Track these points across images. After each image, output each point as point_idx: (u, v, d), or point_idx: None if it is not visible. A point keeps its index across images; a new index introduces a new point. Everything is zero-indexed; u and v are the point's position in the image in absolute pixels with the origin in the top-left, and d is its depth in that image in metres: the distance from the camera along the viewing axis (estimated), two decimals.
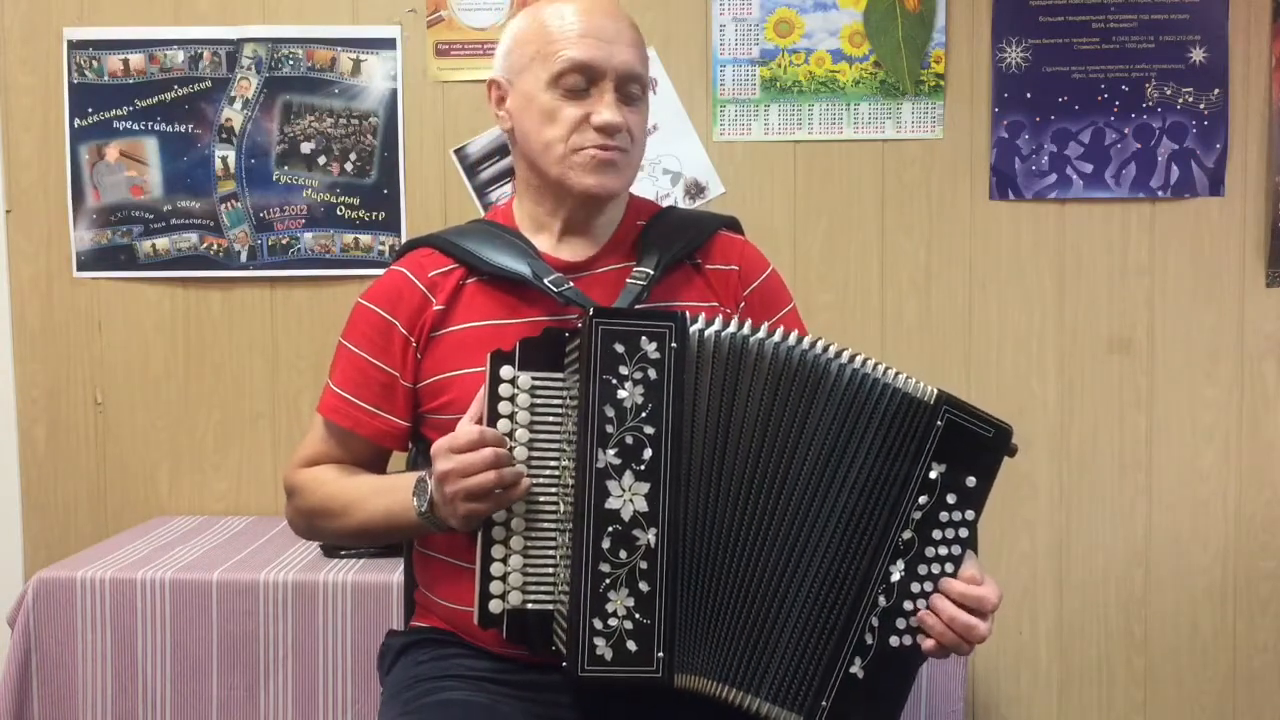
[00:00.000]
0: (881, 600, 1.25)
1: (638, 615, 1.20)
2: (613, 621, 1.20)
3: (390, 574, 2.02)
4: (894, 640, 1.25)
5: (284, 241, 2.51)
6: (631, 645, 1.20)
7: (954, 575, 1.26)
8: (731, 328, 1.26)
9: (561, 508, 1.26)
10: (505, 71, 1.46)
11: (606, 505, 1.21)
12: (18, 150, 2.51)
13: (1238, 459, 2.53)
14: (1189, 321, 2.51)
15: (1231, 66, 2.47)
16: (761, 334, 1.27)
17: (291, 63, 2.49)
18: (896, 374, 1.26)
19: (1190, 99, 2.47)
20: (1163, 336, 2.51)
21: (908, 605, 1.25)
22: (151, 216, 2.51)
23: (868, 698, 1.24)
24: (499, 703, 1.37)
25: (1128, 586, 2.54)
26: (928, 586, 1.26)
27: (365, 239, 2.51)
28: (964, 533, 1.26)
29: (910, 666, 1.27)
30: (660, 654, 1.20)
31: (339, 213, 2.51)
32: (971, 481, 1.26)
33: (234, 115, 2.50)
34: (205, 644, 2.02)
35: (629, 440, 1.22)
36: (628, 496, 1.21)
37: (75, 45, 2.49)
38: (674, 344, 1.23)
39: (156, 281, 2.53)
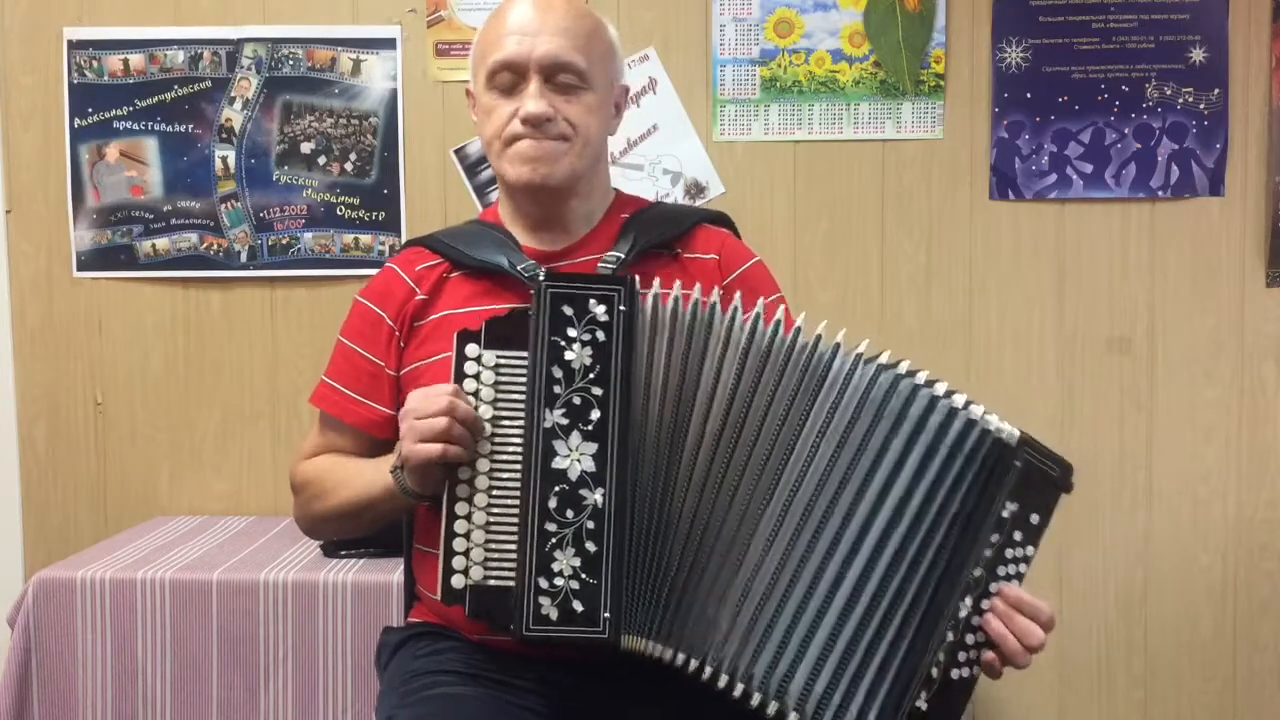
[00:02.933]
0: (949, 635, 1.25)
1: (584, 575, 1.20)
2: (559, 581, 1.20)
3: (390, 573, 2.02)
4: (954, 673, 1.26)
5: (284, 241, 2.51)
6: (577, 605, 1.20)
7: None
8: (695, 296, 1.26)
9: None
10: (470, 79, 1.53)
11: (553, 465, 1.21)
12: (18, 150, 2.51)
13: (1238, 459, 2.53)
14: (1189, 321, 2.51)
15: (1231, 66, 2.47)
16: (734, 307, 1.26)
17: (291, 63, 2.49)
18: (984, 411, 1.25)
19: (1190, 99, 2.47)
20: (1163, 336, 2.51)
21: (969, 639, 1.26)
22: (151, 216, 2.51)
23: None
24: (491, 698, 1.37)
25: (1128, 586, 2.54)
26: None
27: (365, 239, 2.51)
28: (1023, 569, 1.27)
29: (965, 698, 1.27)
30: (606, 614, 1.20)
31: (339, 213, 2.51)
32: (1035, 519, 1.28)
33: (234, 115, 2.50)
34: (205, 644, 2.02)
35: (576, 401, 1.22)
36: (575, 456, 1.22)
37: (75, 45, 2.49)
38: (623, 307, 1.24)
39: (156, 281, 2.53)
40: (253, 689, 2.02)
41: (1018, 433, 1.27)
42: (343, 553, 2.14)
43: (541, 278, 1.24)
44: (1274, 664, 2.54)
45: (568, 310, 1.24)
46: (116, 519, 2.53)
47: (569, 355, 1.23)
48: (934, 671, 1.25)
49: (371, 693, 2.01)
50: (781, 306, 1.36)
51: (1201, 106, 2.47)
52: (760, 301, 1.29)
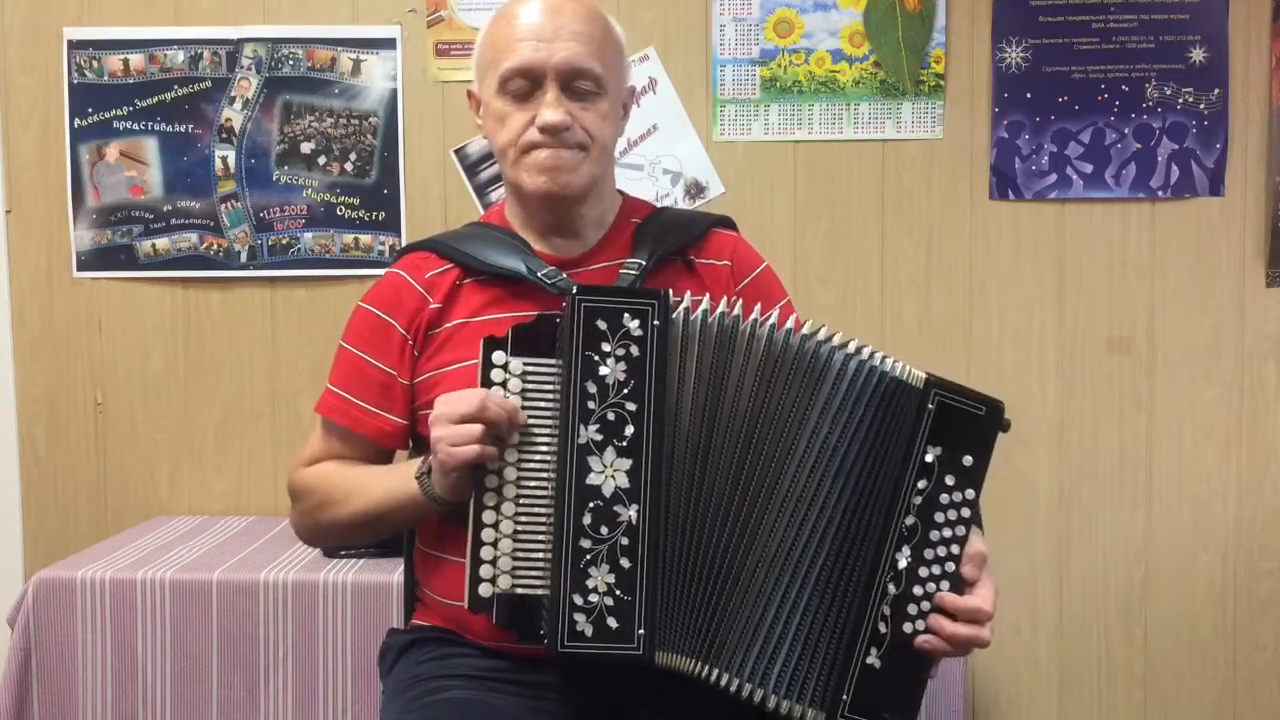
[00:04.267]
0: (891, 588, 1.25)
1: (619, 592, 1.21)
2: (593, 598, 1.20)
3: (390, 574, 2.02)
4: (908, 627, 1.26)
5: (284, 241, 2.51)
6: (612, 622, 1.20)
7: (959, 555, 1.27)
8: (720, 309, 1.27)
9: (550, 490, 1.27)
10: (475, 81, 1.50)
11: (587, 481, 1.21)
12: (18, 150, 2.51)
13: (1238, 459, 2.53)
14: (1189, 321, 2.51)
15: (1231, 66, 2.47)
16: (754, 317, 1.27)
17: (291, 63, 2.49)
18: (885, 358, 1.27)
19: (1190, 99, 2.47)
20: (1163, 336, 2.51)
21: (918, 590, 1.26)
22: (151, 216, 2.51)
23: (888, 687, 1.25)
24: (501, 702, 1.37)
25: (1128, 586, 2.54)
26: (935, 570, 1.26)
27: (365, 239, 2.51)
28: (966, 512, 1.27)
29: (928, 656, 1.27)
30: (641, 631, 1.21)
31: (339, 213, 2.51)
32: (968, 461, 1.27)
33: (234, 115, 2.50)
34: (205, 644, 2.02)
35: (611, 416, 1.22)
36: (609, 473, 1.22)
37: (75, 45, 2.49)
38: (657, 321, 1.23)
39: (156, 281, 2.53)
40: (253, 689, 2.02)
41: (924, 375, 1.26)
42: (342, 553, 2.14)
43: (575, 291, 1.23)
44: (1274, 664, 2.54)
45: (601, 324, 1.23)
46: (116, 519, 2.53)
47: (603, 370, 1.22)
48: (882, 627, 1.25)
49: (372, 693, 2.01)
50: (792, 315, 1.36)
51: (1201, 106, 2.47)
52: (775, 310, 1.30)
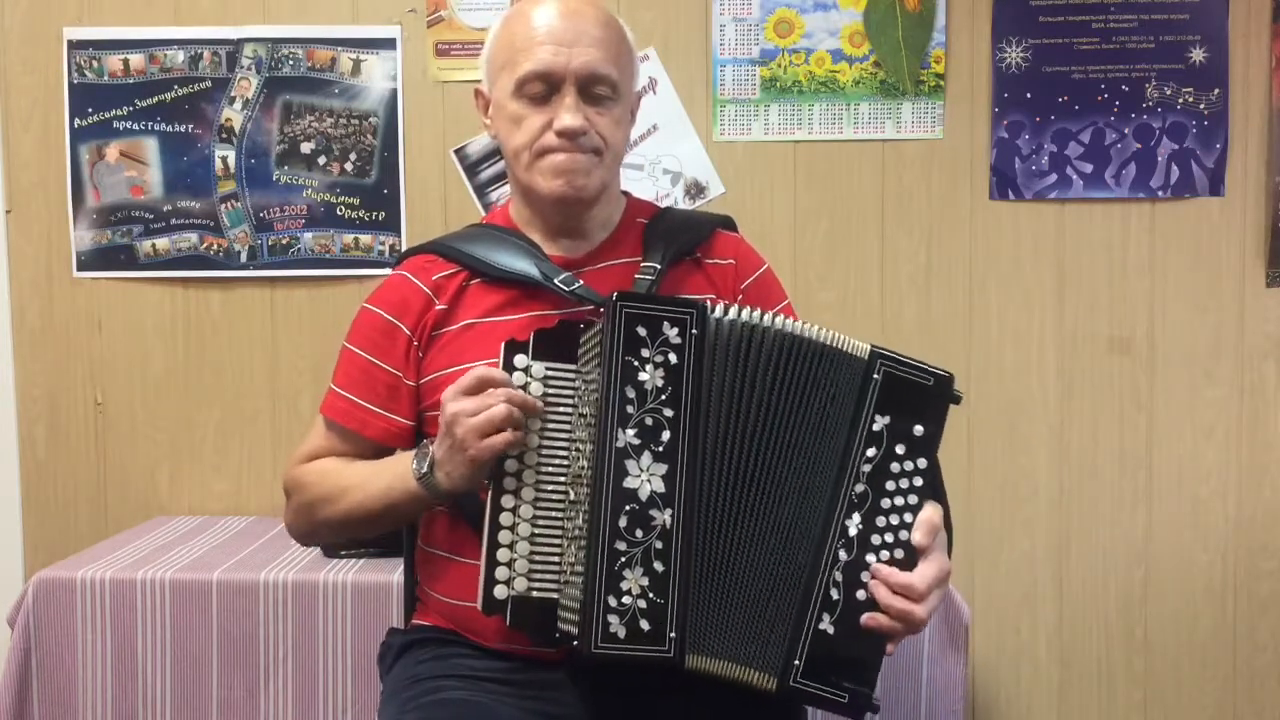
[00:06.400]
0: (843, 554, 1.26)
1: (652, 595, 1.21)
2: (627, 600, 1.21)
3: (390, 574, 2.02)
4: (861, 594, 1.26)
5: (284, 241, 2.51)
6: (645, 624, 1.21)
7: (911, 524, 1.27)
8: (745, 315, 1.28)
9: (572, 495, 1.27)
10: (485, 81, 1.50)
11: (625, 484, 1.22)
12: (18, 150, 2.51)
13: (1238, 459, 2.53)
14: (1189, 321, 2.51)
15: (1231, 66, 2.47)
16: (767, 320, 1.28)
17: (291, 63, 2.49)
18: (828, 332, 1.28)
19: (1190, 99, 2.47)
20: (1163, 336, 2.51)
21: (870, 558, 1.26)
22: (151, 216, 2.51)
23: (842, 653, 1.25)
24: (499, 702, 1.37)
25: (1128, 586, 2.54)
26: (889, 537, 1.27)
27: (365, 239, 2.51)
28: (918, 481, 1.28)
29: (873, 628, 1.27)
30: (673, 634, 1.21)
31: (339, 213, 2.51)
32: (919, 430, 1.28)
33: (234, 115, 2.50)
34: (205, 644, 2.02)
35: (648, 421, 1.23)
36: (645, 476, 1.23)
37: (75, 45, 2.49)
38: (695, 330, 1.24)
39: (156, 281, 2.53)
40: (253, 689, 2.02)
41: (868, 346, 1.28)
42: (343, 553, 2.14)
43: (615, 297, 1.24)
44: (1274, 663, 2.54)
45: (641, 331, 1.24)
46: (116, 519, 2.53)
47: (642, 376, 1.23)
48: (834, 593, 1.25)
49: (372, 693, 2.01)
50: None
51: (1201, 106, 2.47)
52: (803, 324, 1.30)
